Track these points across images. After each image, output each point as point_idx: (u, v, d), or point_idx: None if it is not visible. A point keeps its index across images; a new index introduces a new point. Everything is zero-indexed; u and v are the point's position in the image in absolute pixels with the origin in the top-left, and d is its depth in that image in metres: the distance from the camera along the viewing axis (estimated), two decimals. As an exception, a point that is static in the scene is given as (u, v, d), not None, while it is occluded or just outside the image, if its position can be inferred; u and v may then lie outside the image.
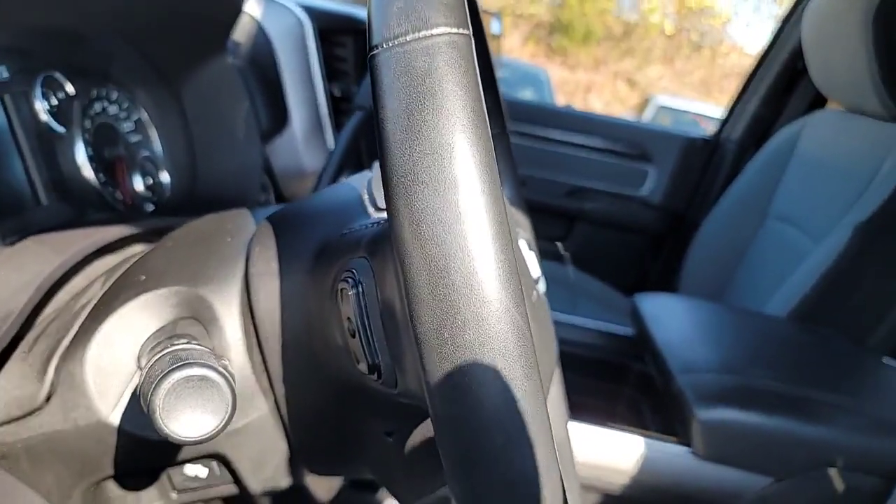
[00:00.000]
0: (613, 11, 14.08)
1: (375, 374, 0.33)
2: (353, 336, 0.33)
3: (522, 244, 0.45)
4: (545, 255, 1.88)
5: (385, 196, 0.26)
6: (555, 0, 14.64)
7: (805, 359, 1.03)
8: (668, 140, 1.89)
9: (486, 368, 0.25)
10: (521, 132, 1.92)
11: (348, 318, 0.33)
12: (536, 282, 0.44)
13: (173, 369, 0.31)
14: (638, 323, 1.15)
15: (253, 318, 0.40)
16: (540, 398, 0.26)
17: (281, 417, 0.41)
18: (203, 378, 0.31)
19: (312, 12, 0.73)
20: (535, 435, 0.25)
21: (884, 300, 1.21)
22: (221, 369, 0.32)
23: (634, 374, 1.18)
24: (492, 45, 2.00)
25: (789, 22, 1.71)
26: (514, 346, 0.25)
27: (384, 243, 0.33)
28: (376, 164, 0.45)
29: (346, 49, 0.85)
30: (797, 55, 1.65)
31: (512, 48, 14.66)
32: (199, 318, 0.39)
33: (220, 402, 0.31)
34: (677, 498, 0.90)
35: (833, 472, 0.86)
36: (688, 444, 0.89)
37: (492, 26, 2.24)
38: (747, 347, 1.03)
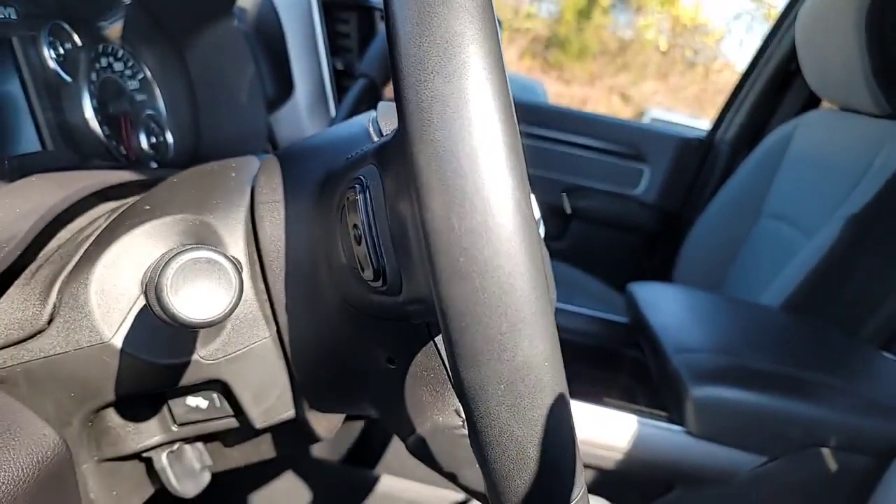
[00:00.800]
0: (609, 28, 14.19)
1: (381, 281, 0.33)
2: (360, 243, 0.34)
3: None
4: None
5: (395, 91, 0.27)
6: (552, 15, 14.76)
7: (798, 344, 1.04)
8: (663, 140, 1.91)
9: (491, 254, 0.25)
10: (521, 132, 1.94)
11: (355, 226, 0.34)
12: (538, 223, 0.45)
13: (182, 252, 0.31)
14: (633, 309, 1.15)
15: (257, 245, 0.40)
16: (543, 289, 0.26)
17: (283, 346, 0.41)
18: (210, 261, 0.31)
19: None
20: (539, 323, 0.26)
21: (876, 292, 1.22)
22: (229, 256, 0.32)
23: (629, 360, 1.19)
24: None
25: (782, 24, 1.74)
26: (519, 232, 0.25)
27: (393, 148, 0.34)
28: (381, 103, 0.46)
29: (350, 25, 0.86)
30: (790, 56, 1.67)
31: (509, 62, 14.73)
32: (203, 244, 0.40)
33: (227, 286, 0.32)
34: (671, 475, 0.90)
35: (826, 452, 0.87)
36: (682, 424, 0.90)
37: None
38: (741, 331, 1.04)
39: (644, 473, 0.90)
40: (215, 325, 0.32)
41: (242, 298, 0.40)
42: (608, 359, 1.21)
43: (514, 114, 0.27)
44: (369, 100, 0.74)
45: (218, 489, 0.84)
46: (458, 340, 0.26)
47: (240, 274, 0.32)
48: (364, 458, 0.95)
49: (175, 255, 0.31)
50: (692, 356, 0.91)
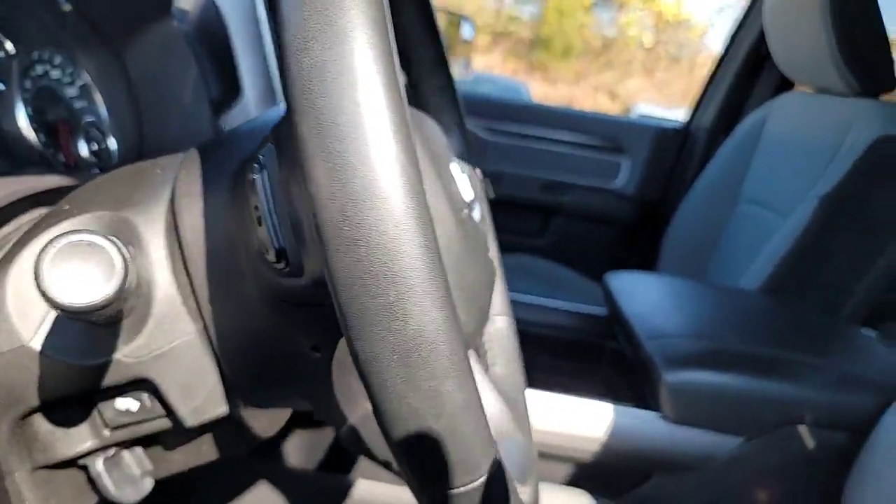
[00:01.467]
0: (592, 26, 14.26)
1: (284, 263, 0.33)
2: (261, 224, 0.33)
3: (455, 167, 0.45)
4: (523, 249, 1.89)
5: (278, 62, 0.26)
6: (534, 16, 14.82)
7: (775, 325, 1.03)
8: (640, 131, 1.91)
9: (375, 220, 0.24)
10: (495, 129, 1.93)
11: (256, 207, 0.33)
12: (469, 204, 0.44)
13: (60, 235, 0.30)
14: (608, 299, 1.14)
15: (178, 239, 0.39)
16: (433, 255, 0.25)
17: (210, 341, 0.40)
18: (91, 244, 0.31)
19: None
20: (430, 290, 0.25)
21: (852, 270, 1.21)
22: (112, 238, 0.31)
23: (608, 352, 1.18)
24: (463, 51, 2.01)
25: (752, 9, 1.74)
26: (405, 197, 0.25)
27: (284, 123, 0.33)
28: None
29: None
30: (761, 41, 1.67)
31: (493, 65, 14.81)
32: (123, 240, 0.39)
33: (110, 269, 0.31)
34: (650, 462, 0.89)
35: (803, 429, 0.86)
36: (658, 410, 0.89)
37: (463, 31, 2.26)
38: (716, 315, 1.03)
39: (622, 463, 0.89)
40: (102, 310, 0.31)
41: (165, 294, 0.39)
42: (588, 351, 1.20)
43: (398, 80, 0.26)
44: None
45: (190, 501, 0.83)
46: (347, 313, 0.25)
47: (124, 258, 0.31)
48: (339, 463, 0.94)
49: (56, 237, 0.30)
50: (665, 342, 0.90)
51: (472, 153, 0.67)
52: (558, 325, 1.22)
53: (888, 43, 1.30)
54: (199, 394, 0.41)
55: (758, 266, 1.28)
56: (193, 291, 0.40)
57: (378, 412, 0.26)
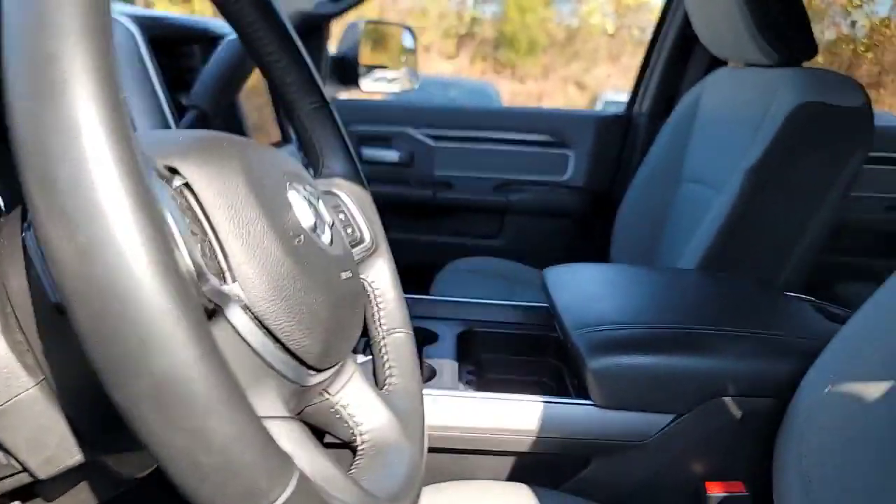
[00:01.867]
0: (554, 19, 14.34)
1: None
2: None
3: (294, 194, 0.46)
4: (481, 251, 1.91)
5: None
6: (496, 15, 14.89)
7: (702, 301, 1.05)
8: (583, 122, 1.93)
9: (104, 272, 0.25)
10: (441, 135, 1.95)
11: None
12: (307, 230, 0.45)
13: None
14: (545, 294, 1.16)
15: (10, 301, 0.40)
16: (177, 296, 0.26)
17: (54, 392, 0.41)
18: None
19: (143, 22, 0.75)
20: (175, 332, 0.26)
21: (784, 240, 1.24)
22: None
23: (553, 343, 1.20)
24: (408, 60, 2.03)
25: (677, -10, 1.77)
26: (136, 243, 0.25)
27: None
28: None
29: (194, 59, 0.87)
30: (687, 21, 1.70)
31: (461, 68, 14.86)
32: None
33: None
34: (588, 448, 0.91)
35: (728, 400, 0.88)
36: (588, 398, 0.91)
37: (404, 40, 2.28)
38: (645, 298, 1.05)
39: (561, 452, 0.91)
40: None
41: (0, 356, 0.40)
42: (536, 344, 1.21)
43: (127, 131, 0.26)
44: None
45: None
46: (97, 365, 0.26)
47: None
48: None
49: None
50: (590, 330, 0.92)
51: (358, 167, 0.69)
52: (507, 322, 1.23)
53: (803, 10, 1.32)
54: (49, 444, 0.42)
55: (695, 244, 1.31)
56: (30, 346, 0.40)
57: (154, 457, 0.27)
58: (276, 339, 0.38)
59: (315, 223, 0.45)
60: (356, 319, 0.48)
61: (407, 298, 1.26)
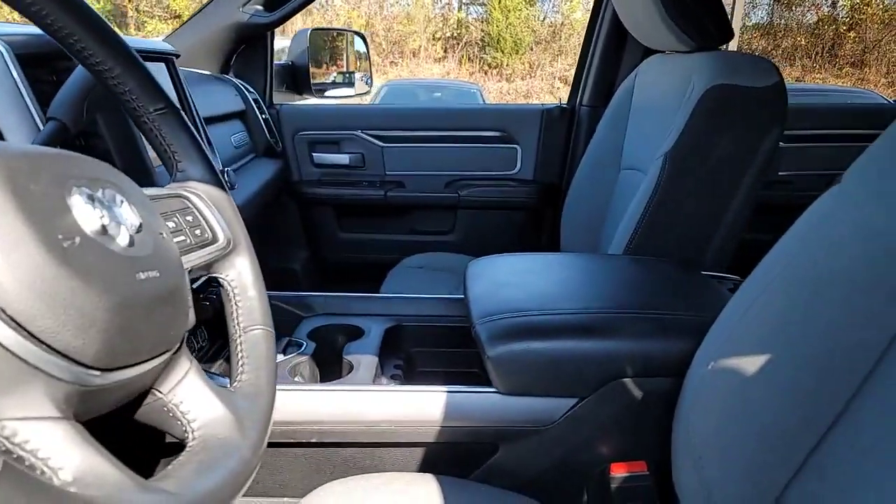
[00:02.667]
0: (537, 17, 14.35)
1: None
2: None
3: (77, 199, 0.46)
4: (436, 246, 1.92)
5: None
6: (481, 16, 14.91)
7: (614, 284, 1.06)
8: (529, 116, 1.94)
9: None
10: (391, 136, 1.97)
11: None
12: (103, 232, 0.46)
13: None
14: (463, 286, 1.17)
15: None
16: None
17: None
18: None
19: (13, 39, 0.77)
20: None
21: (705, 220, 1.24)
22: None
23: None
24: (360, 65, 2.04)
25: (610, -19, 1.78)
26: None
27: None
28: None
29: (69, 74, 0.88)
30: (620, 11, 1.71)
31: (450, 70, 14.88)
32: None
33: None
34: (495, 436, 0.92)
35: (628, 382, 0.89)
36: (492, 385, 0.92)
37: (357, 46, 2.30)
38: (555, 285, 1.06)
39: (468, 441, 0.92)
40: None
41: None
42: (463, 336, 1.23)
43: None
44: (60, 144, 0.75)
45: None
46: None
47: None
48: None
49: None
50: (492, 320, 0.93)
51: (216, 165, 0.70)
52: (435, 315, 1.25)
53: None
54: None
55: (622, 229, 1.31)
56: None
57: None
58: (40, 341, 0.39)
59: (105, 225, 0.46)
60: (159, 318, 0.49)
61: (338, 296, 1.28)
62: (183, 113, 0.67)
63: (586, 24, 1.94)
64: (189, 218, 0.63)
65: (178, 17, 14.17)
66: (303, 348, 1.10)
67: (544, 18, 14.20)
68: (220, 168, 1.15)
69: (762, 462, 0.65)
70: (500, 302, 0.98)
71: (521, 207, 1.97)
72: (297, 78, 2.06)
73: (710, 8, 1.31)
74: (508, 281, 1.07)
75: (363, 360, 1.06)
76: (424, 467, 0.94)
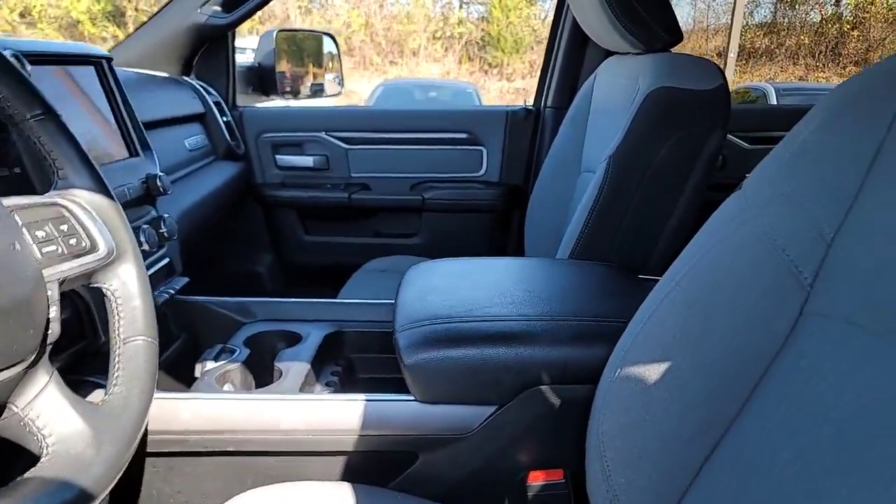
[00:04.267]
0: (538, 16, 14.32)
1: None
2: None
3: None
4: (402, 249, 1.91)
5: None
6: (481, 15, 14.90)
7: (544, 290, 1.05)
8: (494, 118, 1.93)
9: None
10: (355, 138, 1.96)
11: None
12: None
13: None
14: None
15: None
16: None
17: None
18: None
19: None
20: None
21: (651, 224, 1.23)
22: None
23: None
24: (332, 65, 2.02)
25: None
26: None
27: None
28: None
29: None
30: (581, 12, 1.70)
31: (449, 69, 14.87)
32: None
33: None
34: (414, 444, 0.91)
35: (546, 389, 0.88)
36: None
37: (326, 47, 2.29)
38: (484, 291, 1.04)
39: (388, 449, 0.91)
40: None
41: None
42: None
43: None
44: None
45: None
46: None
47: None
48: None
49: None
50: (411, 326, 0.92)
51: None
52: (376, 321, 1.24)
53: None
54: None
55: (568, 234, 1.30)
56: None
57: None
58: None
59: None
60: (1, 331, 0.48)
61: (280, 302, 1.27)
62: (62, 119, 0.66)
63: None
64: (64, 227, 0.62)
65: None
66: (235, 355, 1.09)
67: (545, 18, 14.15)
68: (157, 172, 1.15)
69: (664, 469, 0.64)
70: (423, 309, 0.97)
71: (487, 210, 1.96)
72: (264, 80, 2.06)
73: (658, 10, 1.30)
74: (439, 286, 1.06)
75: (293, 367, 1.05)
76: (346, 476, 0.94)
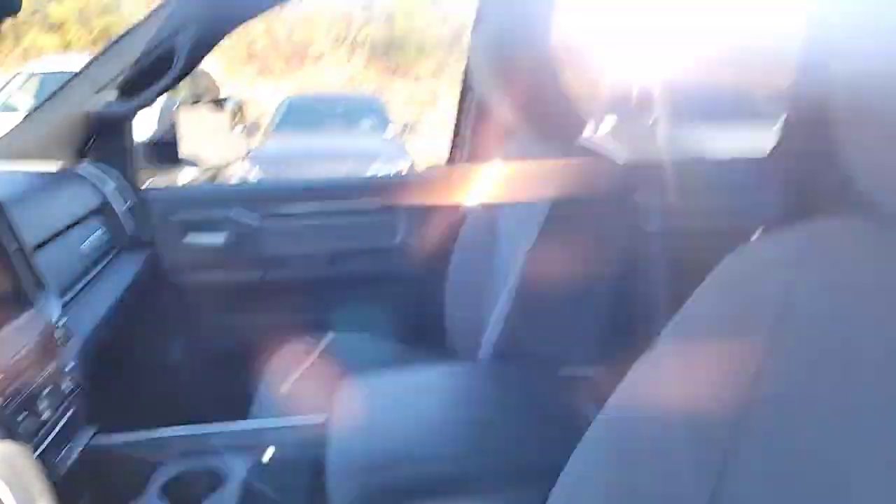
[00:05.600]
0: (440, 19, 14.40)
1: None
2: None
3: None
4: (319, 326, 1.87)
5: None
6: (385, 18, 14.83)
7: (473, 419, 1.06)
8: (404, 184, 1.92)
9: None
10: (269, 213, 1.90)
11: None
12: None
13: None
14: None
15: None
16: None
17: None
18: None
19: None
20: None
21: (569, 319, 1.25)
22: None
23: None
24: (238, 119, 1.96)
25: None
26: None
27: None
28: None
29: None
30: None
31: (354, 73, 14.73)
32: None
33: None
34: None
35: None
36: None
37: (227, 108, 2.22)
38: (413, 425, 1.04)
39: None
40: None
41: None
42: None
43: None
44: None
45: None
46: None
47: None
48: None
49: None
50: (347, 483, 0.91)
51: None
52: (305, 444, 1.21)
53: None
54: None
55: (492, 328, 1.31)
56: None
57: None
58: None
59: None
60: None
61: (195, 434, 1.21)
62: None
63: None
64: None
65: (60, 26, 13.40)
66: None
67: (445, 20, 14.24)
68: (55, 317, 1.07)
69: None
70: (359, 451, 0.96)
71: (404, 279, 1.94)
72: (163, 152, 1.97)
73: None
74: (372, 418, 1.05)
75: None
76: None
